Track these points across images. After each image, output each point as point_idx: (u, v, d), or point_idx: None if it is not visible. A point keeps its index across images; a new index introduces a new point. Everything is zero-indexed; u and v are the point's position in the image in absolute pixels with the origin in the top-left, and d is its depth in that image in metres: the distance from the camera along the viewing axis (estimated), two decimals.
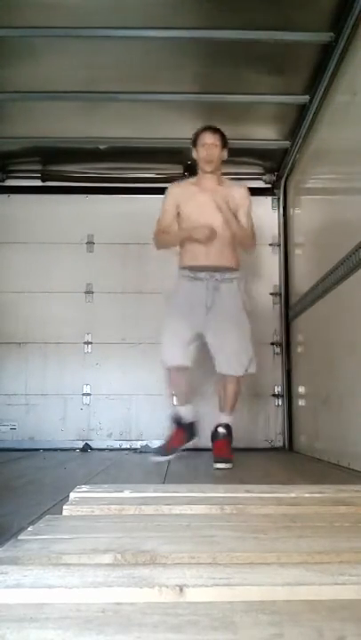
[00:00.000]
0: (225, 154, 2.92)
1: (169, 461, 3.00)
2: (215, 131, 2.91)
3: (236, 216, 2.87)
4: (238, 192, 2.95)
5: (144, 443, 3.81)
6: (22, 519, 1.31)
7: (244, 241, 2.94)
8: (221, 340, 2.84)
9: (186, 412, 2.96)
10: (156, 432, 3.92)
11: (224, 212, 2.82)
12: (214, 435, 2.82)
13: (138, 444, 3.87)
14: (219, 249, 2.87)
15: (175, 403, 2.94)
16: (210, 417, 3.29)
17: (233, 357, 2.84)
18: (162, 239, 3.02)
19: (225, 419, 2.86)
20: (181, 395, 2.99)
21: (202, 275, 2.86)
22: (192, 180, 3.07)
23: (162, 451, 2.91)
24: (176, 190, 3.01)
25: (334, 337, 2.87)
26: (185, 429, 2.93)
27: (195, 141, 2.95)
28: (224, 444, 2.77)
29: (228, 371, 2.86)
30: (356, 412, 2.49)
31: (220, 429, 2.83)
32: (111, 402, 4.02)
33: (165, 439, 2.95)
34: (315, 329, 3.38)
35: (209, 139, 2.89)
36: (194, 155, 2.98)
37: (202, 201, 2.88)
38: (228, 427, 2.84)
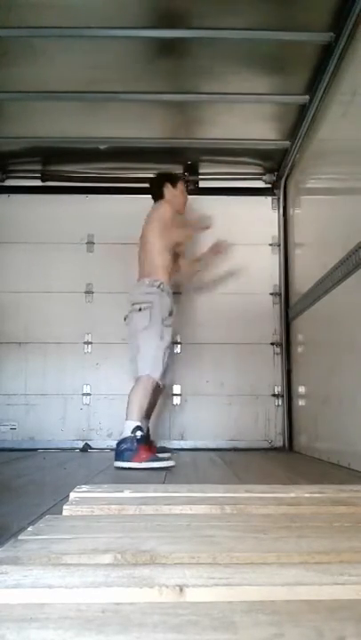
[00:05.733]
0: None
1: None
2: None
3: None
4: None
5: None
6: (22, 519, 1.31)
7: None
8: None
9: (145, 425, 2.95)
10: (156, 431, 3.92)
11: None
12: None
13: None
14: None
15: (140, 418, 2.84)
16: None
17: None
18: (181, 232, 3.36)
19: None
20: (151, 409, 3.06)
21: (171, 292, 3.20)
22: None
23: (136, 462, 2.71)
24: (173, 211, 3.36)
25: (334, 337, 2.87)
26: (150, 444, 2.92)
27: (175, 182, 3.42)
28: None
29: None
30: (356, 413, 2.49)
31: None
32: (111, 402, 4.02)
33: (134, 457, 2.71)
34: (315, 329, 3.38)
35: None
36: (170, 192, 3.37)
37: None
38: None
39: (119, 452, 2.72)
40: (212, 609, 0.63)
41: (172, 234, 3.25)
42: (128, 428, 2.78)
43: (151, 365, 2.96)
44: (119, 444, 2.76)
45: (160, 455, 2.81)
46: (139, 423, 2.80)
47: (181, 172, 4.27)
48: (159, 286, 3.10)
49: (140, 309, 3.07)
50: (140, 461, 2.65)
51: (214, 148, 4.01)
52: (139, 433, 2.75)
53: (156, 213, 3.31)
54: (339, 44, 2.68)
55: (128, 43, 2.86)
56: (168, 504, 1.24)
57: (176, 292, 4.16)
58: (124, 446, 2.72)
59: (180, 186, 3.44)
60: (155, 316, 3.03)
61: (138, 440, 2.73)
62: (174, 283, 3.48)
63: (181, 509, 1.21)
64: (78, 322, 4.11)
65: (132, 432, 2.76)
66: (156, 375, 2.96)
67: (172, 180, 3.45)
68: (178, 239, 3.31)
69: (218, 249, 3.60)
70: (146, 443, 2.83)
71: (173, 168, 4.26)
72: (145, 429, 2.91)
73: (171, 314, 3.12)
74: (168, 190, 3.40)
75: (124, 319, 3.28)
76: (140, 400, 2.88)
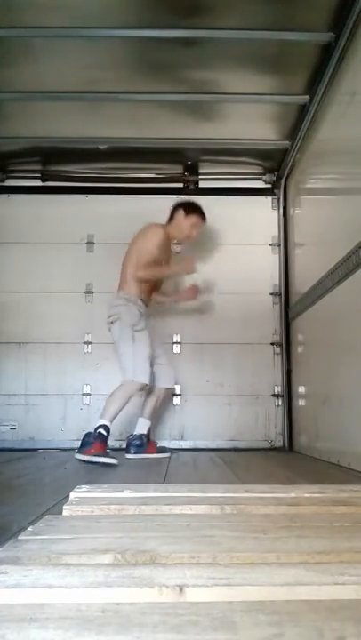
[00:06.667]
0: None
1: (169, 460, 3.01)
2: None
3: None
4: None
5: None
6: (22, 519, 1.31)
7: None
8: (164, 360, 3.45)
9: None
10: (156, 431, 3.92)
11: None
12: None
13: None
14: (152, 293, 3.53)
15: (111, 420, 3.07)
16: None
17: (172, 374, 3.53)
18: (155, 272, 3.42)
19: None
20: (154, 411, 3.50)
21: (146, 311, 3.38)
22: (167, 230, 3.48)
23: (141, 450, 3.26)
24: (165, 236, 3.43)
25: (334, 337, 2.87)
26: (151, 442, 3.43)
27: (189, 212, 3.47)
28: None
29: (168, 384, 3.49)
30: (356, 412, 2.49)
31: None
32: None
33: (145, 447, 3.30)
34: (315, 329, 3.38)
35: (201, 226, 3.55)
36: (182, 220, 3.46)
37: (168, 256, 3.53)
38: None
39: (83, 442, 3.00)
40: (212, 609, 0.63)
41: (162, 270, 3.44)
42: (97, 424, 3.03)
43: (132, 371, 3.17)
44: (86, 436, 3.01)
45: (103, 456, 2.90)
46: (107, 424, 3.03)
47: (182, 171, 4.28)
48: (125, 297, 3.30)
49: (112, 322, 3.29)
50: (88, 454, 2.88)
51: (214, 148, 4.01)
52: (101, 430, 2.99)
53: (148, 233, 3.41)
54: (339, 44, 2.67)
55: (128, 43, 2.86)
56: (168, 504, 1.24)
57: (176, 292, 4.18)
58: (87, 439, 2.98)
59: (193, 219, 3.48)
60: (124, 325, 3.23)
61: (97, 435, 2.97)
62: (150, 298, 3.56)
63: (181, 509, 1.21)
64: (78, 322, 4.11)
65: (95, 429, 2.99)
66: (141, 378, 3.16)
67: (188, 209, 3.49)
68: (165, 274, 3.52)
69: (191, 294, 3.71)
70: (148, 440, 3.34)
71: (173, 168, 4.26)
72: (147, 431, 3.36)
73: (141, 319, 3.27)
74: (178, 215, 3.49)
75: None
76: (116, 403, 3.10)
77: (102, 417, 3.06)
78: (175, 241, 3.66)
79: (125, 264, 3.41)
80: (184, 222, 3.47)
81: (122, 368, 3.26)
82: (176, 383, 3.76)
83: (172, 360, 3.60)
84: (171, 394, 3.87)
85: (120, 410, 3.11)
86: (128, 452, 3.26)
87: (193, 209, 3.50)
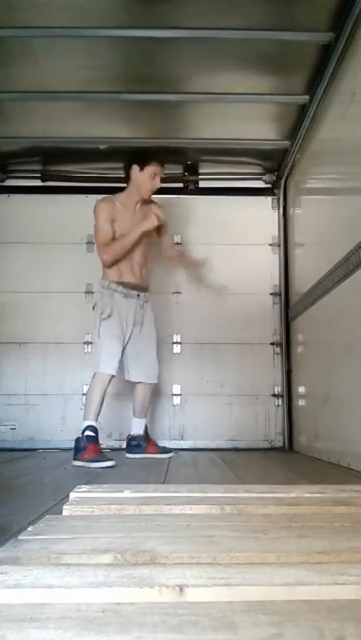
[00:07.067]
0: None
1: (169, 460, 3.01)
2: None
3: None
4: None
5: None
6: (22, 519, 1.31)
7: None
8: (142, 352, 3.27)
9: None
10: (156, 431, 3.92)
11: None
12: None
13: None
14: (142, 269, 3.31)
15: (94, 418, 3.02)
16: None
17: (151, 368, 3.32)
18: (116, 247, 3.18)
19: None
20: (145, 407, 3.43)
21: (133, 292, 3.23)
22: (121, 197, 3.30)
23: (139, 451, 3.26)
24: (109, 206, 3.22)
25: (334, 337, 2.87)
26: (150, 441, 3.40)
27: (143, 165, 3.23)
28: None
29: (145, 379, 3.33)
30: (356, 412, 2.49)
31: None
32: (111, 402, 4.00)
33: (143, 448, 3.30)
34: (315, 329, 3.38)
35: (160, 172, 3.29)
36: (139, 176, 3.25)
37: (134, 223, 3.21)
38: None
39: (75, 448, 2.92)
40: (212, 609, 0.63)
41: (123, 241, 3.16)
42: (82, 427, 2.99)
43: (99, 362, 3.13)
44: (77, 442, 2.95)
45: (99, 459, 2.84)
46: (92, 423, 2.98)
47: (182, 171, 4.28)
48: (100, 284, 3.27)
49: (93, 309, 3.28)
50: (84, 460, 2.83)
51: (214, 148, 4.01)
52: (87, 432, 2.94)
53: (93, 214, 3.24)
54: (339, 44, 2.67)
55: (128, 42, 2.86)
56: (168, 504, 1.24)
57: (176, 292, 4.18)
58: (78, 445, 2.91)
59: (150, 170, 3.24)
60: (97, 313, 3.19)
61: (86, 439, 2.92)
62: (143, 277, 3.36)
63: (181, 509, 1.21)
64: (78, 322, 4.11)
65: (82, 432, 2.95)
66: (106, 369, 3.09)
67: (141, 163, 3.25)
68: (129, 242, 3.17)
69: (202, 266, 3.56)
70: (146, 438, 3.34)
71: (173, 168, 4.26)
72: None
73: (109, 304, 3.15)
74: (134, 174, 3.28)
75: None
76: (92, 400, 3.05)
77: (85, 418, 3.02)
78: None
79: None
80: (142, 177, 3.25)
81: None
82: (155, 379, 3.44)
83: (152, 353, 3.35)
84: (151, 390, 3.45)
85: (99, 404, 3.03)
86: (128, 452, 3.26)
87: (145, 160, 3.26)
